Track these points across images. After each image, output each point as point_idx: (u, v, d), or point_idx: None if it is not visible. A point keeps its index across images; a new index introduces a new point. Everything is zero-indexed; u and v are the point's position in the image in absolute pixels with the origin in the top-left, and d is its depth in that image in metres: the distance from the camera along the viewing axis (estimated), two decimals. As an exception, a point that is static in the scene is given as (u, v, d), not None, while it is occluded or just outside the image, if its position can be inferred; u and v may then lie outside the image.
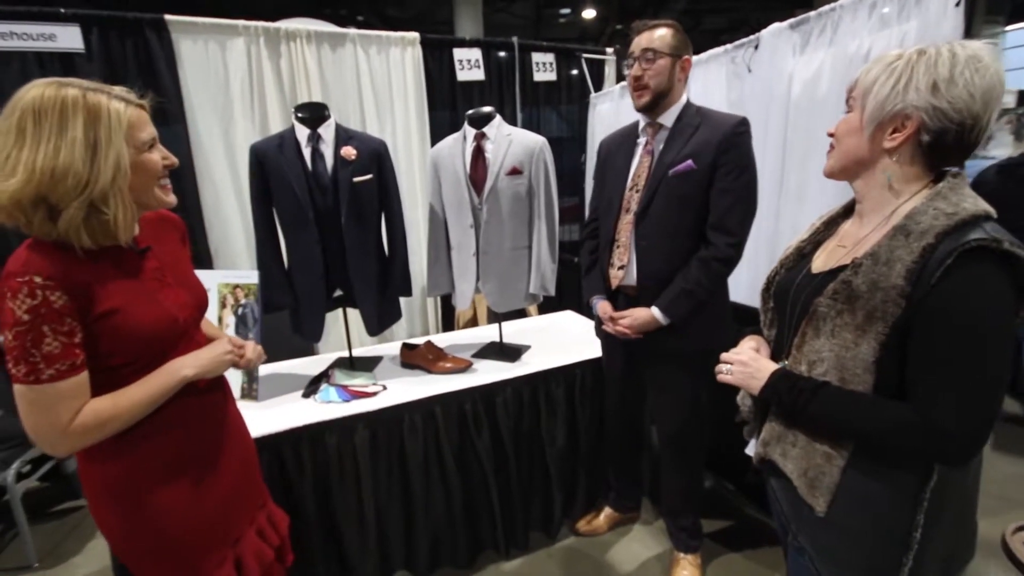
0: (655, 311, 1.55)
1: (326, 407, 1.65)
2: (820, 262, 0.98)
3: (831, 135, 0.95)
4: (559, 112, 3.72)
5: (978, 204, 0.77)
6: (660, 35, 1.49)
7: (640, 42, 1.50)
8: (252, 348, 1.10)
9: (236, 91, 2.79)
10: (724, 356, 1.05)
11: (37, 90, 0.80)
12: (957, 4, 1.51)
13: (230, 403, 1.14)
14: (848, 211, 1.03)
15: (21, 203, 0.78)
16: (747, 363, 1.00)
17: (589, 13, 10.67)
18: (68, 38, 2.45)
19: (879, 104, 0.83)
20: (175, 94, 2.64)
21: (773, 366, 0.96)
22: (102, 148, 0.81)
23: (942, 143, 0.81)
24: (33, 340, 0.79)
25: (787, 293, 1.00)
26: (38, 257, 0.81)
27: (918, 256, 0.76)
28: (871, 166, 0.88)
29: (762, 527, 2.04)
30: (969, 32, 1.50)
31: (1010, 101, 4.94)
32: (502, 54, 3.44)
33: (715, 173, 1.47)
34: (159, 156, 0.92)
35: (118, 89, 0.87)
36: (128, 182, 0.85)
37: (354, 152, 1.72)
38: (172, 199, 0.97)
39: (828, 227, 1.05)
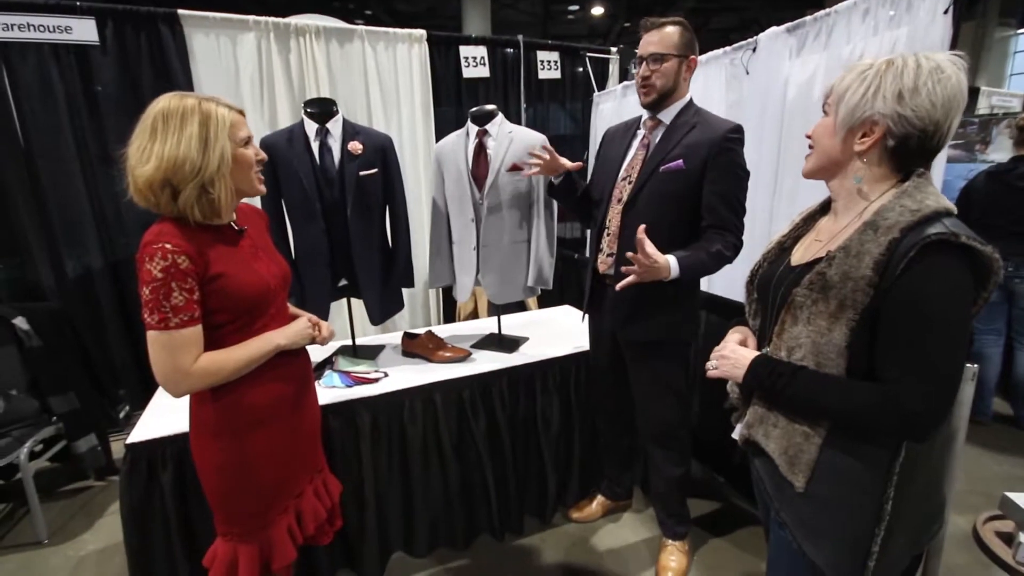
0: (671, 259, 1.46)
1: (329, 391, 1.72)
2: (798, 255, 1.04)
3: (809, 137, 1.01)
4: (563, 110, 3.77)
5: (939, 201, 0.84)
6: (668, 35, 1.52)
7: (648, 44, 1.54)
8: (326, 327, 1.32)
9: (246, 85, 2.86)
10: (713, 353, 1.12)
11: (165, 100, 1.04)
12: (946, 11, 1.56)
13: (311, 373, 1.35)
14: (825, 208, 1.09)
15: (153, 185, 1.00)
16: (728, 356, 1.07)
17: (597, 10, 10.68)
18: (83, 31, 2.52)
19: (850, 110, 0.89)
20: (187, 87, 2.70)
21: (753, 354, 1.03)
22: (211, 142, 1.03)
23: (906, 147, 0.87)
24: (164, 293, 0.99)
25: (769, 284, 1.07)
26: (166, 230, 1.03)
27: (885, 249, 0.83)
28: (844, 167, 0.95)
29: (747, 514, 2.10)
30: (956, 39, 1.55)
31: (1015, 105, 4.94)
32: (508, 51, 3.49)
33: (705, 176, 1.51)
34: (253, 151, 1.14)
35: (223, 100, 1.10)
36: (230, 170, 1.07)
37: (360, 147, 1.78)
38: (263, 187, 1.18)
39: (807, 223, 1.11)
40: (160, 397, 1.73)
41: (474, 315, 3.20)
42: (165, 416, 1.58)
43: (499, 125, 1.90)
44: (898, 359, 0.84)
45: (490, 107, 1.92)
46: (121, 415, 2.78)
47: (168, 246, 0.99)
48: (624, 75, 3.67)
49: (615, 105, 3.27)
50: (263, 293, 1.15)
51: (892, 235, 0.82)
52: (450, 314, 3.53)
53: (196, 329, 1.04)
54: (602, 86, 3.66)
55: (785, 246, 1.12)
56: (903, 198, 0.86)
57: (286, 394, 1.22)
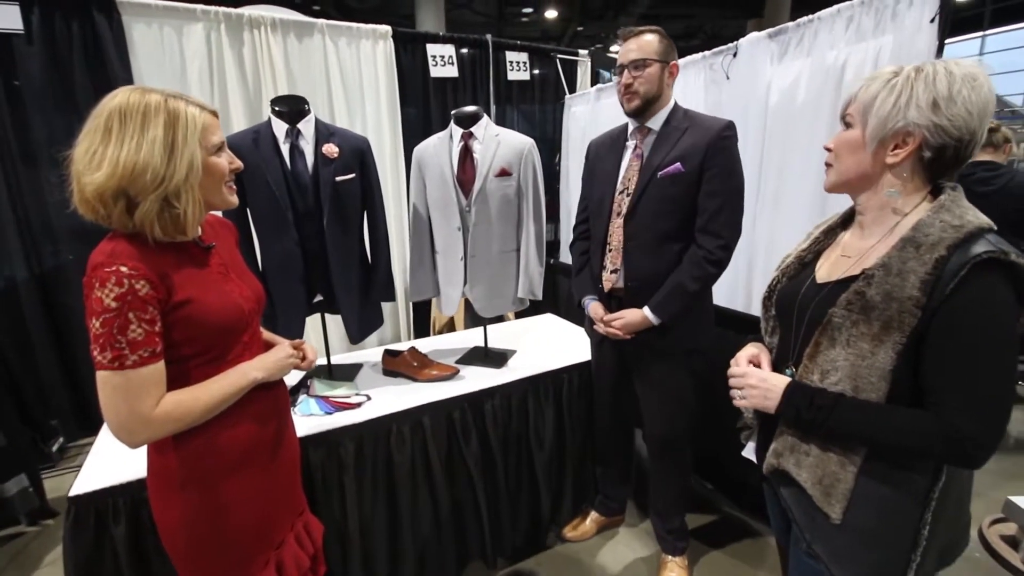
0: (646, 311, 1.56)
1: (306, 420, 1.56)
2: (824, 272, 1.00)
3: (828, 150, 0.97)
4: (533, 112, 3.69)
5: (979, 217, 0.81)
6: (648, 42, 1.51)
7: (629, 51, 1.52)
8: (311, 349, 1.17)
9: (194, 81, 2.61)
10: (732, 381, 1.04)
11: (123, 95, 0.87)
12: (932, 20, 1.57)
13: (288, 406, 1.20)
14: (846, 221, 1.05)
15: (104, 196, 0.84)
16: (757, 384, 0.99)
17: (551, 13, 10.72)
18: (5, 17, 2.22)
19: (881, 121, 0.85)
20: (126, 82, 2.43)
21: (783, 381, 0.96)
22: (179, 148, 0.88)
23: (942, 158, 0.84)
24: (120, 327, 0.83)
25: (792, 302, 1.02)
26: (122, 249, 0.86)
27: (932, 267, 0.79)
28: (874, 181, 0.90)
29: (743, 525, 2.08)
30: (941, 48, 1.57)
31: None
32: (470, 51, 3.37)
33: (703, 176, 1.49)
34: (226, 159, 0.99)
35: (193, 98, 0.93)
36: (199, 180, 0.91)
37: (336, 150, 1.63)
38: (235, 199, 1.03)
39: (827, 236, 1.07)
40: (106, 436, 1.51)
41: (449, 327, 3.07)
42: (113, 460, 1.37)
43: (485, 127, 1.79)
44: (952, 384, 0.80)
45: (472, 108, 1.80)
46: (55, 448, 2.48)
47: (124, 269, 0.84)
48: (595, 78, 3.64)
49: (588, 108, 3.22)
50: (236, 319, 1.01)
51: (938, 253, 0.78)
52: (421, 327, 3.37)
53: (158, 367, 0.88)
54: (572, 89, 3.61)
55: (806, 261, 1.07)
56: (942, 213, 0.82)
57: (263, 434, 1.06)
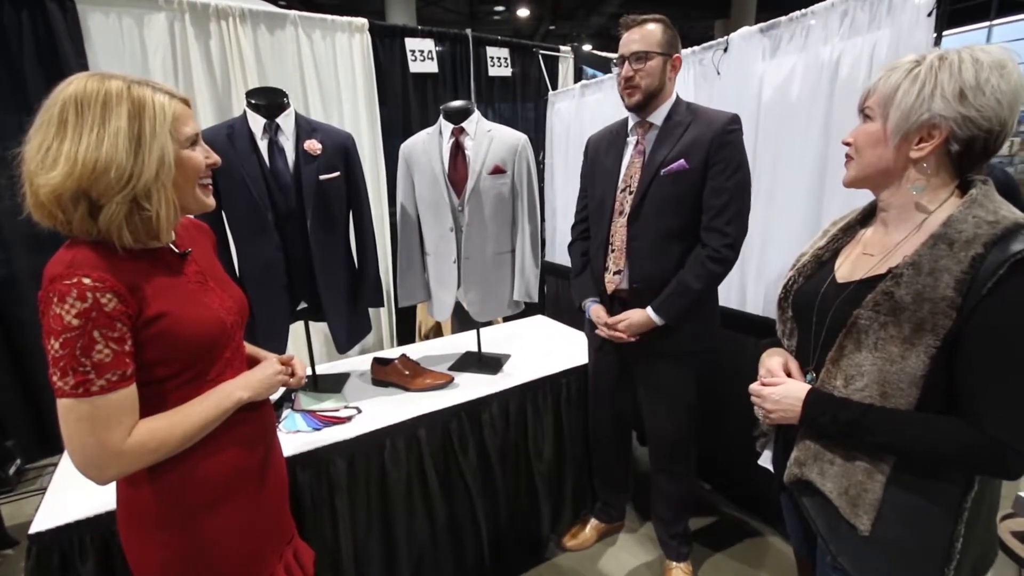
0: (650, 312, 1.51)
1: (293, 438, 1.45)
2: (845, 271, 0.95)
3: (847, 144, 0.93)
4: (515, 109, 3.61)
5: (1014, 212, 0.77)
6: (650, 32, 1.45)
7: (631, 42, 1.46)
8: (300, 365, 1.09)
9: (157, 75, 2.44)
10: (755, 400, 0.99)
11: (80, 82, 0.77)
12: (929, 14, 1.56)
13: (275, 427, 1.10)
14: (866, 216, 1.01)
15: (61, 198, 0.74)
16: (779, 400, 0.94)
17: (523, 12, 10.68)
18: (-59, 4, 2.03)
19: (904, 114, 0.81)
20: (82, 75, 2.25)
21: (801, 392, 0.91)
22: (146, 140, 0.78)
23: (971, 151, 0.80)
24: (83, 347, 0.74)
25: (810, 303, 0.97)
26: (83, 257, 0.76)
27: (967, 266, 0.74)
28: (896, 176, 0.86)
29: (744, 525, 2.05)
30: (938, 42, 1.56)
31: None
32: (449, 46, 3.27)
33: (707, 172, 1.45)
34: (202, 154, 0.88)
35: (161, 84, 0.83)
36: (172, 177, 0.81)
37: (319, 146, 1.52)
38: (212, 201, 0.92)
39: (845, 233, 1.03)
40: (68, 465, 1.37)
41: (436, 332, 2.97)
42: (77, 490, 1.24)
43: (477, 123, 1.71)
44: (990, 389, 0.75)
45: (462, 102, 1.72)
46: (12, 471, 2.29)
47: (87, 281, 0.74)
48: (578, 74, 3.58)
49: (573, 104, 3.16)
50: (217, 334, 0.91)
51: (974, 250, 0.74)
52: (405, 332, 3.25)
53: (129, 391, 0.78)
54: (554, 85, 3.54)
55: (824, 259, 1.02)
56: (974, 208, 0.78)
57: (249, 460, 0.97)
